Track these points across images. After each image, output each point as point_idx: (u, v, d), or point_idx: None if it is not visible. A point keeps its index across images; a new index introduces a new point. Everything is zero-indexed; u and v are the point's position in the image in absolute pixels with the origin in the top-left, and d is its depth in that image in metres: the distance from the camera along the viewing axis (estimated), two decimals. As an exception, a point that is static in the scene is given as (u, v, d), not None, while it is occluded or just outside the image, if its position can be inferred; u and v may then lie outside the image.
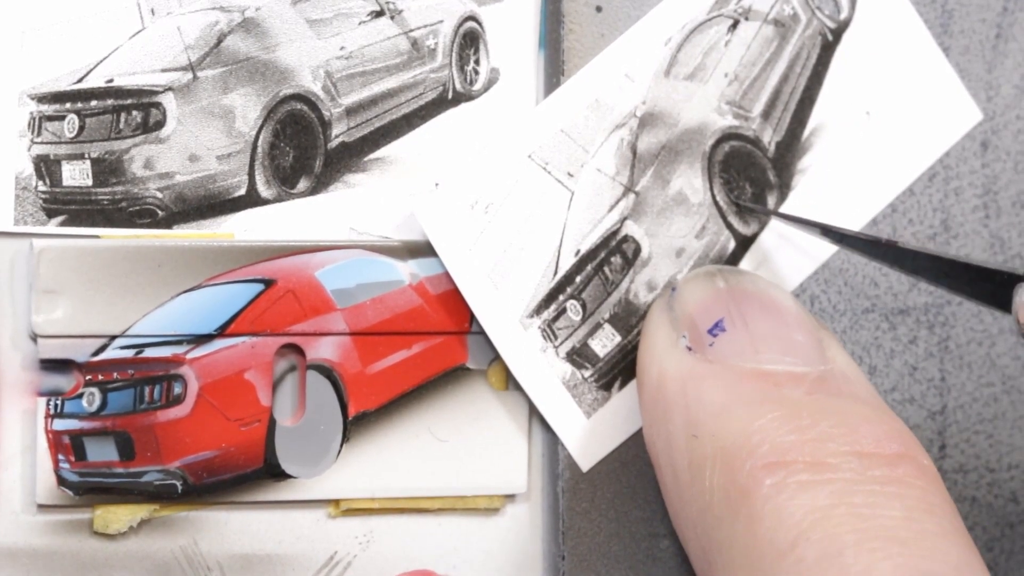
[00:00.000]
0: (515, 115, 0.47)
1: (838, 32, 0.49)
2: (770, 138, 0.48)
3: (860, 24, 0.49)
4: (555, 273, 0.46)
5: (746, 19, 0.48)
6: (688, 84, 0.47)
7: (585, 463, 0.46)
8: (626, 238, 0.47)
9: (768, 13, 0.48)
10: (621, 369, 0.46)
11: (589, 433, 0.46)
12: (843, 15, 0.49)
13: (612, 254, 0.46)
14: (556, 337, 0.46)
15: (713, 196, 0.47)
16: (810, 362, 0.43)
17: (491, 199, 0.45)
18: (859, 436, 0.40)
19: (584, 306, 0.46)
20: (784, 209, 0.48)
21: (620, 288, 0.46)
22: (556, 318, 0.46)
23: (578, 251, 0.46)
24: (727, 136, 0.47)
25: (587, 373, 0.46)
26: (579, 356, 0.46)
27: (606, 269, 0.46)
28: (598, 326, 0.46)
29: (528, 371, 0.46)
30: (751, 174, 0.48)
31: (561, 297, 0.46)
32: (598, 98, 0.46)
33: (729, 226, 0.47)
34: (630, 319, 0.46)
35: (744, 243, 0.48)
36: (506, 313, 0.45)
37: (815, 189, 0.48)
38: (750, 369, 0.42)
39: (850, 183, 0.49)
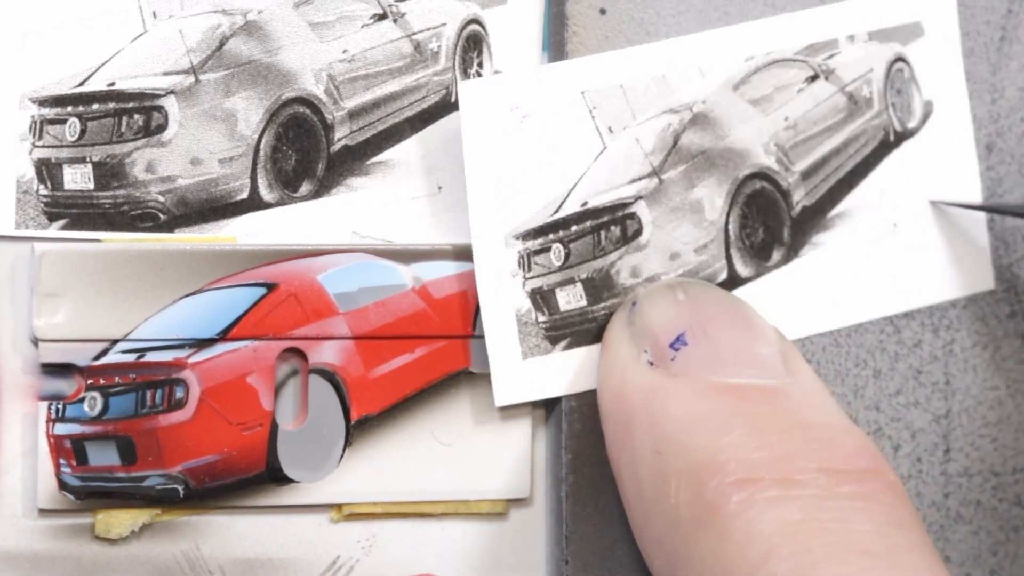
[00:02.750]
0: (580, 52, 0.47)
1: (901, 137, 0.49)
2: (800, 198, 0.48)
3: (923, 140, 0.49)
4: (556, 212, 0.46)
5: (826, 79, 0.48)
6: (750, 108, 0.47)
7: (501, 399, 0.46)
8: (633, 215, 0.46)
9: (847, 85, 0.48)
10: (573, 332, 0.46)
11: (518, 374, 0.46)
12: (912, 124, 0.49)
13: (613, 223, 0.46)
14: (530, 269, 0.46)
15: (727, 222, 0.47)
16: (774, 375, 0.43)
17: (530, 111, 0.45)
18: (827, 453, 0.40)
19: (568, 255, 0.46)
20: (782, 272, 0.48)
21: (607, 258, 0.46)
22: (538, 252, 0.46)
23: (585, 203, 0.46)
24: (763, 175, 0.48)
25: (542, 317, 0.46)
26: (542, 298, 0.46)
27: (602, 233, 0.46)
28: (571, 281, 0.46)
29: (491, 289, 0.45)
30: (769, 222, 0.48)
31: (551, 236, 0.46)
32: (666, 75, 0.46)
33: (728, 257, 0.47)
34: (602, 291, 0.46)
35: (734, 280, 0.48)
36: (498, 224, 0.45)
37: (818, 267, 0.48)
38: (714, 382, 0.42)
39: (849, 280, 0.48)
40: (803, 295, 0.47)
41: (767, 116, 0.47)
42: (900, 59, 0.49)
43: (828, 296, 0.48)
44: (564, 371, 0.46)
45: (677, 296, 0.45)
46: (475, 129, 0.45)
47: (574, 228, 0.46)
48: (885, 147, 0.49)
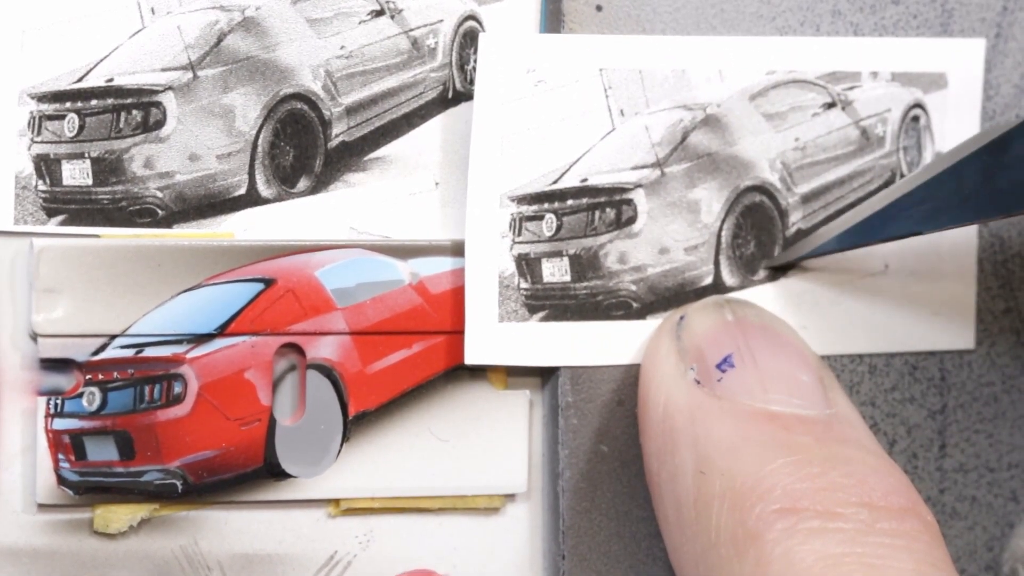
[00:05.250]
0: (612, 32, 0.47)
1: None
2: (796, 220, 0.48)
3: None
4: (554, 182, 0.46)
5: (842, 109, 0.48)
6: (763, 121, 0.47)
7: (471, 358, 0.45)
8: (629, 202, 0.47)
9: (863, 119, 0.48)
10: (552, 305, 0.46)
11: (492, 335, 0.45)
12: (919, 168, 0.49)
13: (609, 206, 0.46)
14: (520, 233, 0.46)
15: (720, 228, 0.47)
16: (815, 405, 0.43)
17: (546, 77, 0.45)
18: (868, 488, 0.41)
19: (559, 228, 0.46)
20: (766, 289, 0.48)
21: (597, 239, 0.46)
22: (531, 219, 0.46)
23: (585, 179, 0.46)
24: (764, 190, 0.48)
25: (524, 284, 0.46)
26: (527, 265, 0.46)
27: (596, 213, 0.46)
28: (559, 254, 0.46)
29: (479, 245, 0.45)
30: (761, 237, 0.48)
31: (546, 205, 0.46)
32: (686, 70, 0.47)
33: (716, 263, 0.48)
34: (587, 270, 0.46)
35: (718, 287, 0.48)
36: (495, 182, 0.45)
37: (802, 292, 0.48)
38: (759, 409, 0.43)
39: (830, 311, 0.48)
40: (783, 316, 0.47)
41: (778, 133, 0.47)
42: (919, 105, 0.49)
43: (807, 322, 0.48)
44: (538, 342, 0.46)
45: (726, 316, 0.45)
46: (488, 83, 0.45)
47: (570, 202, 0.46)
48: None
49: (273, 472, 0.45)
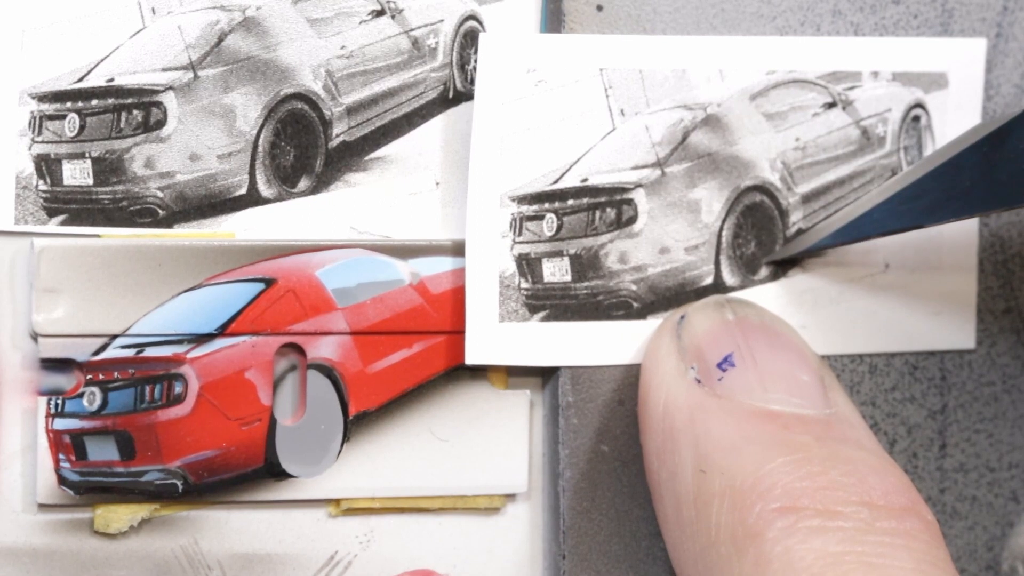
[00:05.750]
0: (616, 32, 0.47)
1: None
2: (797, 220, 0.48)
3: None
4: (555, 182, 0.46)
5: (843, 108, 0.48)
6: (763, 121, 0.47)
7: (472, 358, 0.45)
8: (630, 201, 0.47)
9: (863, 119, 0.48)
10: (552, 305, 0.46)
11: (493, 335, 0.45)
12: None
13: (610, 206, 0.47)
14: (521, 233, 0.46)
15: (721, 228, 0.47)
16: (815, 405, 0.43)
17: (546, 77, 0.45)
18: (868, 487, 0.41)
19: (560, 227, 0.46)
20: (767, 288, 0.48)
21: (598, 239, 0.46)
22: (531, 219, 0.46)
23: (585, 179, 0.46)
24: (764, 189, 0.48)
25: (524, 284, 0.46)
26: (527, 265, 0.46)
27: (597, 213, 0.46)
28: (559, 253, 0.46)
29: (479, 245, 0.45)
30: (762, 236, 0.48)
31: (547, 205, 0.46)
32: (687, 70, 0.47)
33: (717, 263, 0.48)
34: (588, 270, 0.46)
35: (719, 287, 0.48)
36: (496, 182, 0.45)
37: (803, 291, 0.48)
38: (759, 408, 0.43)
39: (830, 311, 0.48)
40: (783, 315, 0.47)
41: (779, 133, 0.47)
42: (919, 105, 0.49)
43: (807, 322, 0.48)
44: (538, 342, 0.46)
45: (726, 315, 0.45)
46: (489, 82, 0.45)
47: (570, 202, 0.46)
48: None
49: (273, 472, 0.45)
